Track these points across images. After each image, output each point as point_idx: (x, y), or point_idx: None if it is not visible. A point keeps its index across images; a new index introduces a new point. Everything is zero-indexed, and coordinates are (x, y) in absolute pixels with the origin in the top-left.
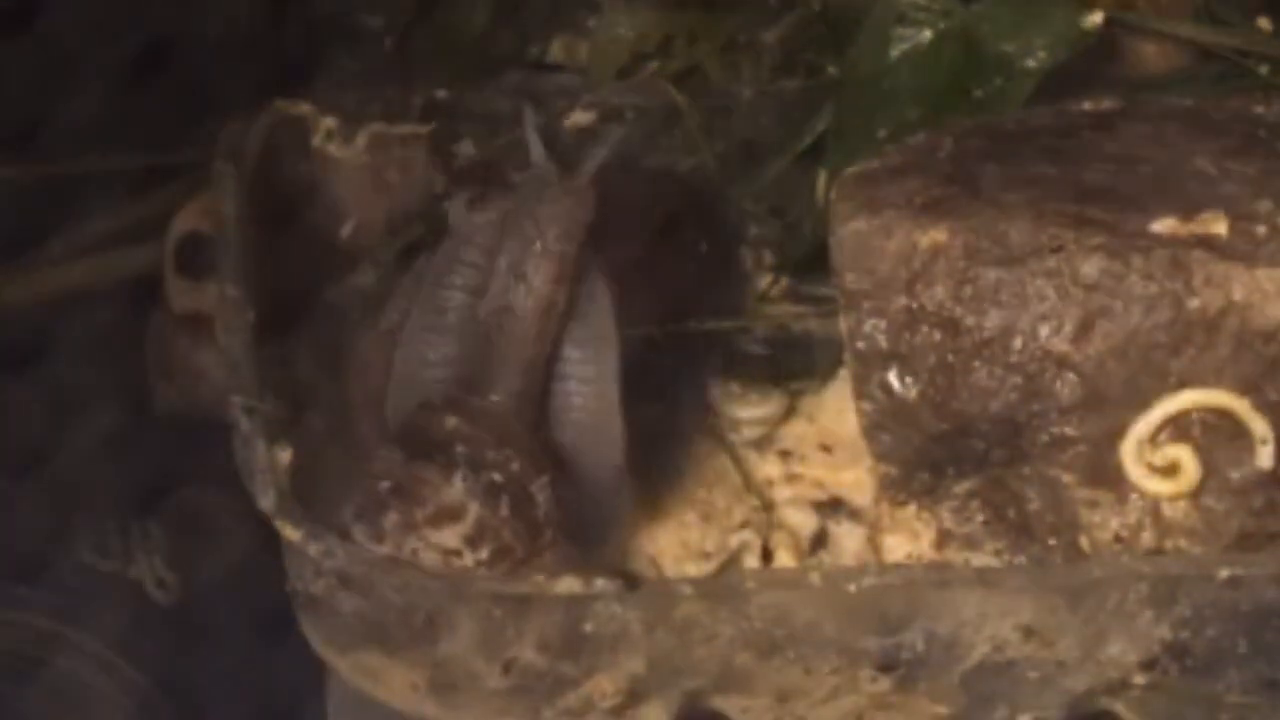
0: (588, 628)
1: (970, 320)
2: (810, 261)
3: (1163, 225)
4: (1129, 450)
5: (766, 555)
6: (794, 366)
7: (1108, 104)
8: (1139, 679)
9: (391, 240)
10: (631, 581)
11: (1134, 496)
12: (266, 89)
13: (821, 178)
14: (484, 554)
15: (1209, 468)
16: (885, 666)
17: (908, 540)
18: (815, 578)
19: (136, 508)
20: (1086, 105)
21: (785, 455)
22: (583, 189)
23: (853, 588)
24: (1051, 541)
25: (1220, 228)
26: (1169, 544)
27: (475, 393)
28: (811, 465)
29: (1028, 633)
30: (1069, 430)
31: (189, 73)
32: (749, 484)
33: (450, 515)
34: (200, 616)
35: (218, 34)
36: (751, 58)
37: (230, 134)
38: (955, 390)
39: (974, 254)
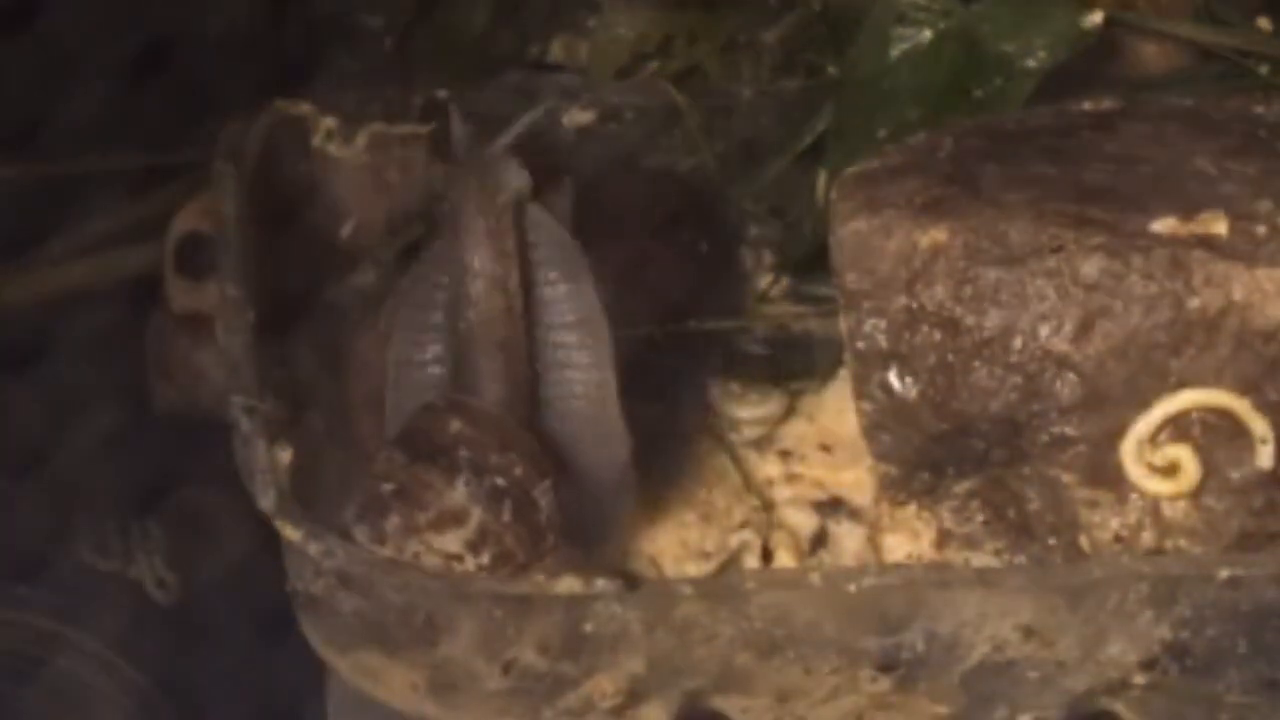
0: (588, 628)
1: (970, 320)
2: (810, 261)
3: (1163, 225)
4: (1129, 450)
5: (766, 555)
6: (794, 366)
7: (1108, 104)
8: (1139, 679)
9: (391, 240)
10: (631, 581)
11: (1134, 496)
12: (266, 89)
13: (821, 178)
14: (486, 559)
15: (1209, 468)
16: (885, 666)
17: (908, 540)
18: (815, 578)
19: (136, 508)
20: (1086, 105)
21: (785, 455)
22: (497, 160)
23: (853, 588)
24: (1051, 541)
25: (1220, 228)
26: (1169, 544)
27: (466, 390)
28: (811, 465)
29: (1028, 633)
30: (1069, 430)
31: (189, 73)
32: (749, 484)
33: (453, 519)
34: (200, 616)
35: (218, 34)
36: (751, 58)
37: (230, 134)
38: (955, 390)
39: (974, 254)
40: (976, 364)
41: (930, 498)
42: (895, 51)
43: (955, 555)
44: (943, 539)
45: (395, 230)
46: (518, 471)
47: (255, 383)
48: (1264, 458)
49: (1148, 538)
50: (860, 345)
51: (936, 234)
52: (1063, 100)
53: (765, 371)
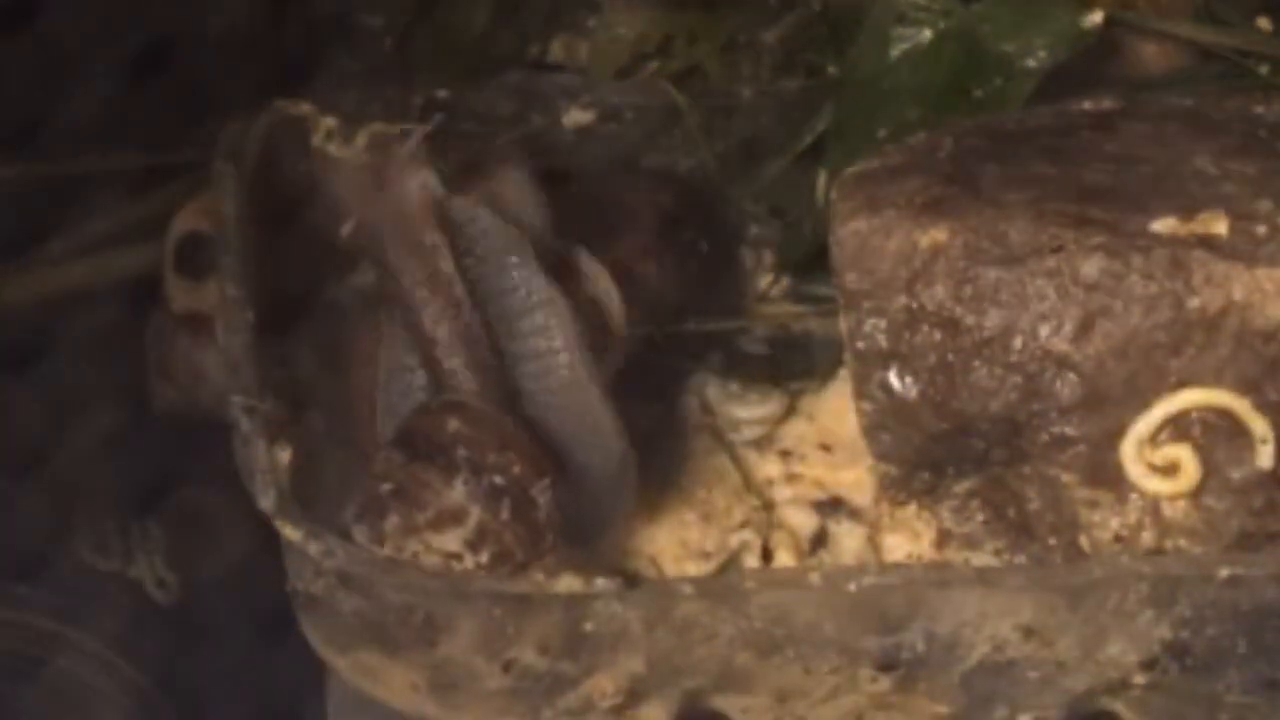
0: (588, 627)
1: (970, 320)
2: (810, 261)
3: (1163, 225)
4: (1129, 450)
5: (766, 555)
6: (794, 366)
7: (1108, 104)
8: (1139, 679)
9: None
10: (631, 581)
11: (1134, 496)
12: (266, 89)
13: (821, 178)
14: (485, 557)
15: (1209, 468)
16: (885, 666)
17: (908, 540)
18: (815, 578)
19: (136, 508)
20: (1086, 105)
21: (785, 455)
22: (401, 162)
23: (853, 587)
24: (1051, 541)
25: (1220, 227)
26: (1169, 544)
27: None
28: (811, 465)
29: (1028, 632)
30: (1069, 430)
31: (189, 73)
32: (749, 484)
33: (451, 518)
34: (200, 616)
35: (218, 34)
36: (751, 58)
37: (230, 134)
38: (955, 390)
39: (974, 254)
40: (976, 364)
41: (930, 498)
42: (895, 51)
43: (955, 555)
44: (943, 539)
45: None
46: (516, 470)
47: (255, 383)
48: (1264, 458)
49: (1148, 538)
50: (860, 345)
51: (936, 234)
52: (1063, 100)
53: (765, 371)
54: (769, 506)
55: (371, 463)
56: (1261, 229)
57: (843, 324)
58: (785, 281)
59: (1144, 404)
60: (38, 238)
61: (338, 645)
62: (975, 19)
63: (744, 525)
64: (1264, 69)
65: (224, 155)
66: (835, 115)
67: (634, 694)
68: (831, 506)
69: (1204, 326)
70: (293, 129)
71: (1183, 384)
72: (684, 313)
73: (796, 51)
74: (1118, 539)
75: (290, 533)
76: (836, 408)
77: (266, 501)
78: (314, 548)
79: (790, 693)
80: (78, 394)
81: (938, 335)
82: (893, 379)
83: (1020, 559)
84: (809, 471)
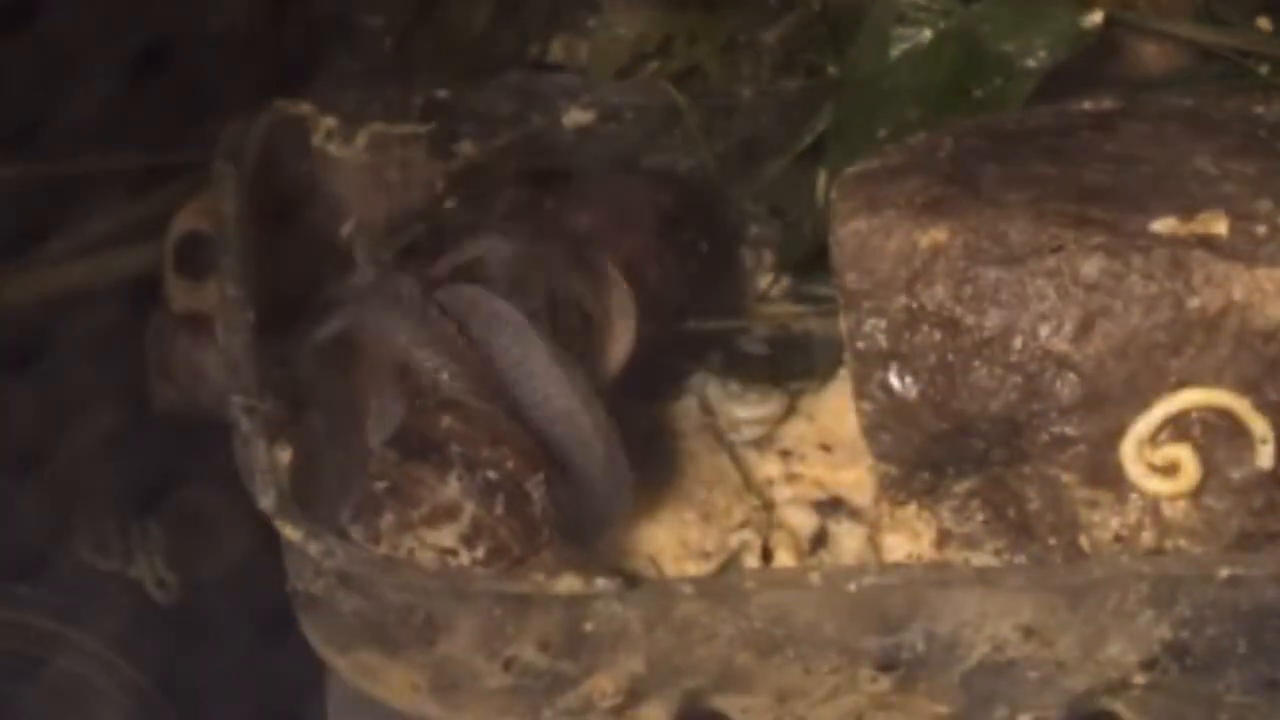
0: (588, 627)
1: (970, 320)
2: (810, 261)
3: (1163, 225)
4: (1129, 450)
5: (766, 555)
6: (794, 366)
7: (1108, 104)
8: (1139, 679)
9: (391, 240)
10: (631, 581)
11: (1134, 496)
12: (266, 89)
13: (821, 178)
14: (480, 553)
15: (1209, 468)
16: (885, 666)
17: (908, 540)
18: (815, 578)
19: (136, 508)
20: (1086, 105)
21: (785, 455)
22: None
23: (853, 587)
24: (1051, 541)
25: (1220, 227)
26: (1169, 544)
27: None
28: (811, 465)
29: (1028, 632)
30: (1069, 430)
31: (189, 73)
32: (749, 484)
33: (446, 514)
34: (200, 616)
35: (218, 34)
36: (751, 58)
37: (230, 134)
38: (955, 390)
39: (974, 254)
40: (976, 364)
41: (930, 497)
42: (895, 51)
43: (955, 555)
44: (943, 539)
45: (395, 230)
46: (509, 465)
47: (255, 383)
48: (1264, 458)
49: (1148, 537)
50: (860, 345)
51: (936, 234)
52: (1063, 100)
53: (765, 371)
54: (769, 506)
55: (368, 462)
56: (1261, 229)
57: (843, 324)
58: (785, 281)
59: (1144, 404)
60: (38, 238)
61: (338, 645)
62: (975, 19)
63: (744, 525)
64: (1264, 69)
65: (224, 155)
66: (835, 115)
67: (634, 694)
68: (831, 506)
69: (1204, 326)
70: (293, 129)
71: (1183, 384)
72: (684, 313)
73: (796, 51)
74: (1118, 539)
75: (290, 533)
76: (836, 408)
77: (266, 501)
78: (314, 548)
79: (790, 693)
80: (78, 394)
81: (938, 335)
82: (893, 379)
83: (1020, 559)
84: (809, 471)
